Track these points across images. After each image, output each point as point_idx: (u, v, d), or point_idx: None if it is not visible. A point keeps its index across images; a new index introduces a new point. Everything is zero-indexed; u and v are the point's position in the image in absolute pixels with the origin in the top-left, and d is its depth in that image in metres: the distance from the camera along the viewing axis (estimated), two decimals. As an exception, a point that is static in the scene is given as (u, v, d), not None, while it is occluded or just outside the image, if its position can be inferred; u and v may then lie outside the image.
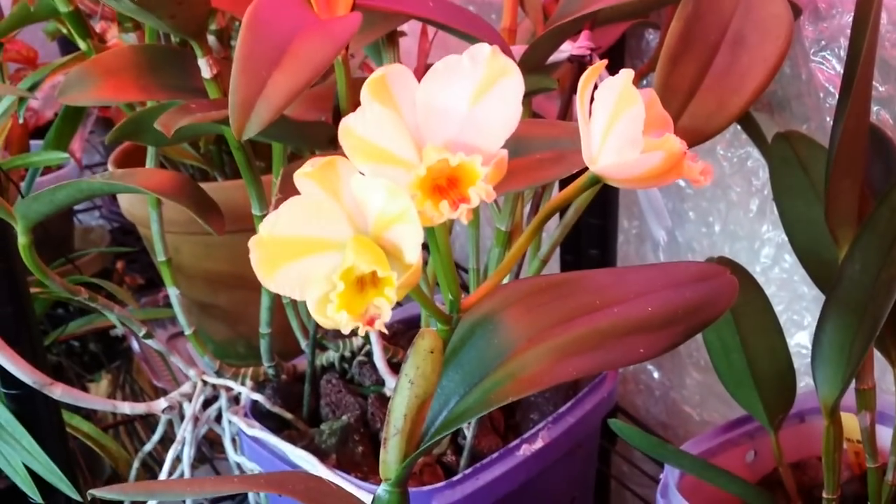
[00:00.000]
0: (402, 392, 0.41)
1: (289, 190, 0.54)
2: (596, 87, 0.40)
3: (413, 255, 0.32)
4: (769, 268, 0.80)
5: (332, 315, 0.31)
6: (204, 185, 0.96)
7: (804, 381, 0.80)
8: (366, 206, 0.33)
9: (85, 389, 1.35)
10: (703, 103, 0.56)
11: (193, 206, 0.50)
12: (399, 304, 0.34)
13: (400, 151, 0.33)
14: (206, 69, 0.58)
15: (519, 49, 0.66)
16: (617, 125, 0.38)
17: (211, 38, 0.86)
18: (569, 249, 0.94)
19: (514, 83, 0.33)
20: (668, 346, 0.42)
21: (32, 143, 1.21)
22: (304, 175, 0.32)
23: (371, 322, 0.31)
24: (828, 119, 0.70)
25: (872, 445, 0.58)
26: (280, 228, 0.32)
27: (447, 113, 0.33)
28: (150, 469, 0.91)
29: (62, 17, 0.74)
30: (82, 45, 0.83)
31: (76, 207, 1.52)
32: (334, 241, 0.33)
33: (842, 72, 0.68)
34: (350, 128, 0.32)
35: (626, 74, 0.38)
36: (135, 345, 1.08)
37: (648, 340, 0.42)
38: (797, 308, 0.80)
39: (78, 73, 0.58)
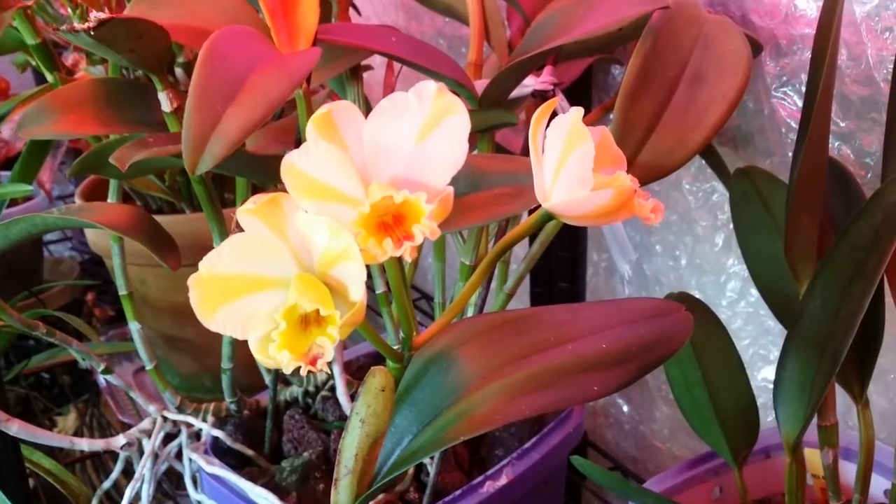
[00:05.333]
0: (352, 431, 0.41)
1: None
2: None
3: (357, 292, 0.31)
4: (735, 301, 0.81)
5: (274, 355, 0.31)
6: (171, 217, 0.96)
7: (771, 416, 0.80)
8: (311, 242, 0.32)
9: (52, 423, 1.34)
10: (661, 139, 0.56)
11: (149, 241, 0.50)
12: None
13: (345, 188, 0.33)
14: (165, 103, 0.57)
15: (483, 84, 0.66)
16: (567, 163, 0.38)
17: (179, 71, 0.86)
18: (539, 282, 0.94)
19: (459, 121, 0.33)
20: (622, 383, 0.42)
21: (2, 173, 1.20)
22: (248, 212, 0.32)
23: (313, 362, 0.31)
24: (790, 154, 0.70)
25: (836, 483, 0.58)
26: (221, 266, 0.31)
27: (394, 150, 0.33)
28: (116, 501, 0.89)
29: (30, 49, 0.74)
30: (49, 77, 0.83)
31: (47, 238, 1.51)
32: (278, 279, 0.33)
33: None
34: (293, 164, 0.31)
35: (576, 113, 0.38)
36: (101, 379, 1.07)
37: (602, 378, 0.42)
38: (763, 342, 0.80)
39: (37, 107, 0.58)
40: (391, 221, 0.32)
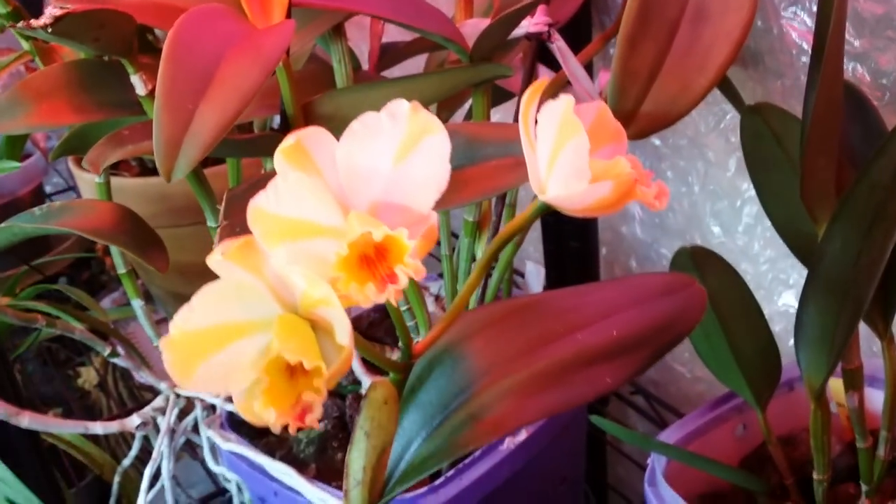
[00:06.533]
0: (358, 444, 0.39)
1: (234, 214, 0.51)
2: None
3: (344, 336, 0.29)
4: (752, 226, 0.78)
5: (259, 413, 0.29)
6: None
7: (791, 342, 0.79)
8: (289, 283, 0.30)
9: (76, 374, 1.34)
10: (665, 86, 0.53)
11: (133, 243, 0.48)
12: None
13: (323, 219, 0.30)
14: (139, 86, 0.54)
15: (475, 24, 0.63)
16: (561, 156, 0.35)
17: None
18: (550, 239, 0.92)
19: (438, 141, 0.30)
20: (636, 371, 0.40)
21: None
22: (222, 259, 0.29)
23: (301, 417, 0.29)
24: (802, 77, 0.67)
25: (862, 425, 0.56)
26: (195, 321, 0.29)
27: (370, 173, 0.31)
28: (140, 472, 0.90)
29: (2, 17, 0.70)
30: (25, 45, 0.79)
31: (50, 191, 1.49)
32: (259, 322, 0.31)
33: (812, 27, 0.65)
34: (260, 209, 0.29)
35: (567, 102, 0.35)
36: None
37: (614, 368, 0.40)
38: (783, 266, 0.77)
39: (8, 99, 0.55)
40: (373, 255, 0.30)
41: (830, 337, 0.53)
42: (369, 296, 0.28)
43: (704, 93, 0.52)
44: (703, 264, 0.58)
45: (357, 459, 0.40)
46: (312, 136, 0.30)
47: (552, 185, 0.36)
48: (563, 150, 0.35)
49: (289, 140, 0.30)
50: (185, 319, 0.29)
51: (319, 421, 0.66)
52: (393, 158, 0.30)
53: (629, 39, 0.52)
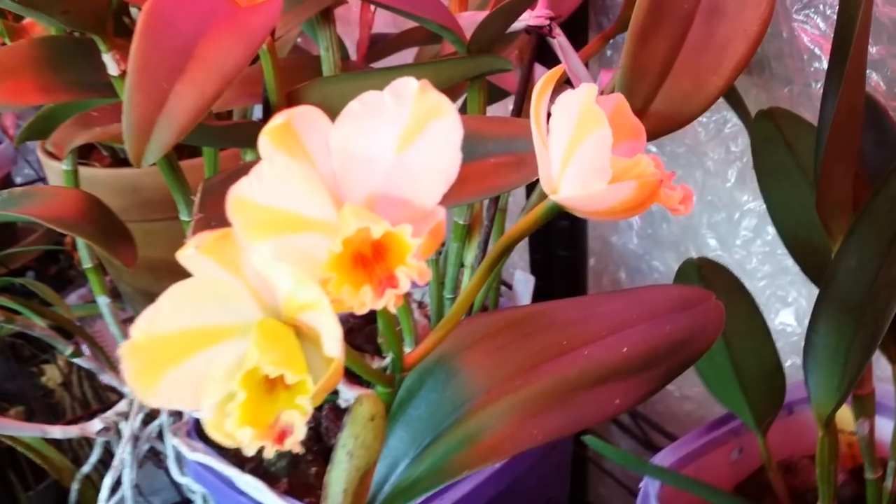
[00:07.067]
0: (339, 465, 0.35)
1: (210, 206, 0.47)
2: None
3: (333, 347, 0.25)
4: (750, 240, 0.75)
5: (232, 432, 0.25)
6: (145, 169, 0.89)
7: (790, 361, 0.76)
8: (272, 283, 0.26)
9: (40, 372, 1.29)
10: (677, 85, 0.49)
11: (99, 235, 0.44)
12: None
13: (312, 211, 0.26)
14: (112, 65, 0.50)
15: (471, 16, 0.59)
16: (579, 151, 0.32)
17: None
18: (537, 247, 0.88)
19: (448, 125, 0.26)
20: (647, 392, 0.37)
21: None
22: (196, 254, 0.26)
23: (280, 439, 0.25)
24: (813, 84, 0.64)
25: (872, 455, 0.53)
26: (162, 324, 0.25)
27: (369, 162, 0.27)
28: (101, 477, 0.85)
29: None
30: (-7, 23, 0.75)
31: (19, 182, 1.44)
32: (235, 326, 0.27)
33: (827, 31, 0.62)
34: (243, 198, 0.25)
35: (588, 90, 0.31)
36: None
37: (624, 388, 0.36)
38: (781, 283, 0.74)
39: (-33, 75, 0.51)
40: (370, 254, 0.26)
41: (843, 361, 0.50)
42: (365, 301, 0.25)
43: (719, 93, 0.49)
44: (710, 277, 0.55)
45: (337, 481, 0.36)
46: (304, 117, 0.26)
47: (566, 183, 0.33)
48: (582, 144, 0.31)
49: (277, 120, 0.26)
50: (151, 322, 0.25)
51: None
52: (395, 144, 0.27)
53: (640, 33, 0.49)
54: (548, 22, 0.59)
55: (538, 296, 0.74)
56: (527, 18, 0.60)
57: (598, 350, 0.37)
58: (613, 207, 0.32)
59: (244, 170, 0.28)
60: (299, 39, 0.78)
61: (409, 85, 0.26)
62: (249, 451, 0.25)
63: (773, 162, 0.56)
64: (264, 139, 0.26)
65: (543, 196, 0.53)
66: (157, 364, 0.25)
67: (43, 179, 1.40)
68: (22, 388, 1.22)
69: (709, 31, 0.50)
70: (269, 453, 0.25)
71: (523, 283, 0.74)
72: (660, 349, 0.37)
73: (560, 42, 0.59)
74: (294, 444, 0.25)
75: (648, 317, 0.38)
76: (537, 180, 0.45)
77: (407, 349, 0.51)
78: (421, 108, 0.26)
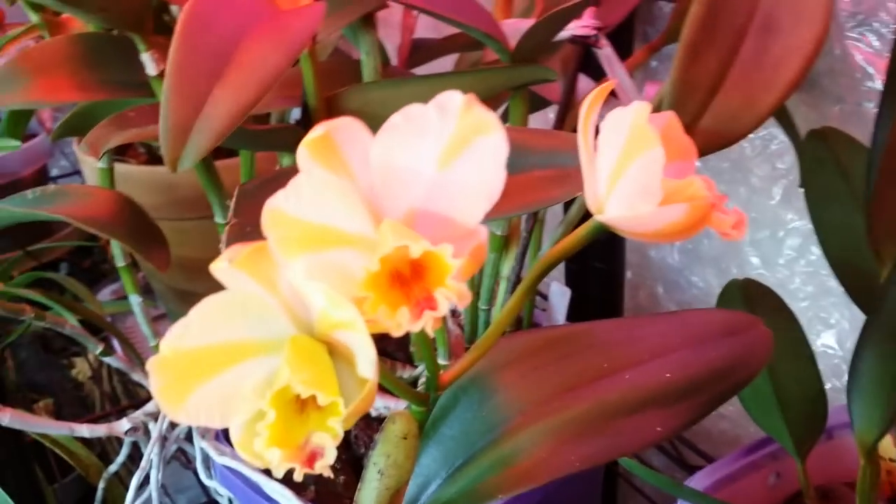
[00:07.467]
0: (369, 484, 0.34)
1: (244, 212, 0.47)
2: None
3: (367, 369, 0.24)
4: (794, 260, 0.73)
5: (261, 451, 0.24)
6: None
7: (829, 384, 0.74)
8: (306, 299, 0.25)
9: (70, 364, 1.30)
10: (727, 101, 0.48)
11: (131, 237, 0.43)
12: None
13: (350, 226, 0.26)
14: (150, 65, 0.50)
15: (514, 24, 0.58)
16: (628, 171, 0.30)
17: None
18: (573, 257, 0.86)
19: (494, 142, 0.25)
20: (689, 421, 0.35)
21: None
22: (230, 267, 0.25)
23: (310, 461, 0.24)
24: (864, 103, 0.62)
25: (917, 488, 0.51)
26: (191, 339, 0.24)
27: (410, 177, 0.26)
28: (129, 475, 0.85)
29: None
30: (34, 17, 0.75)
31: (55, 174, 1.45)
32: (267, 342, 0.26)
33: (881, 50, 0.61)
34: (280, 210, 0.24)
35: (641, 109, 0.30)
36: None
37: (666, 416, 0.35)
38: (824, 304, 0.72)
39: (6, 71, 0.51)
40: (408, 273, 0.25)
41: (889, 390, 0.48)
42: (401, 323, 0.24)
43: (771, 111, 0.47)
44: (755, 299, 0.53)
45: (367, 501, 0.35)
46: (344, 129, 0.25)
47: (613, 203, 0.32)
48: (632, 164, 0.30)
49: (316, 131, 0.25)
50: (181, 336, 0.24)
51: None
52: (438, 160, 0.26)
53: (691, 46, 0.47)
54: (594, 32, 0.58)
55: (573, 308, 0.73)
56: (572, 28, 0.59)
57: (640, 375, 0.36)
58: (662, 230, 0.31)
59: (281, 176, 0.27)
60: (339, 42, 0.78)
61: (454, 99, 0.25)
62: (278, 473, 0.24)
63: (822, 183, 0.54)
64: (303, 151, 0.25)
65: (583, 210, 0.52)
66: (185, 380, 0.24)
67: (79, 173, 1.41)
68: (52, 381, 1.23)
69: (762, 46, 0.48)
70: (299, 476, 0.24)
71: (559, 295, 0.73)
72: (704, 376, 0.36)
73: (606, 53, 0.58)
74: (324, 467, 0.24)
75: (693, 342, 0.37)
76: (574, 197, 0.44)
77: (440, 361, 0.50)
78: (466, 123, 0.25)
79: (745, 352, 0.37)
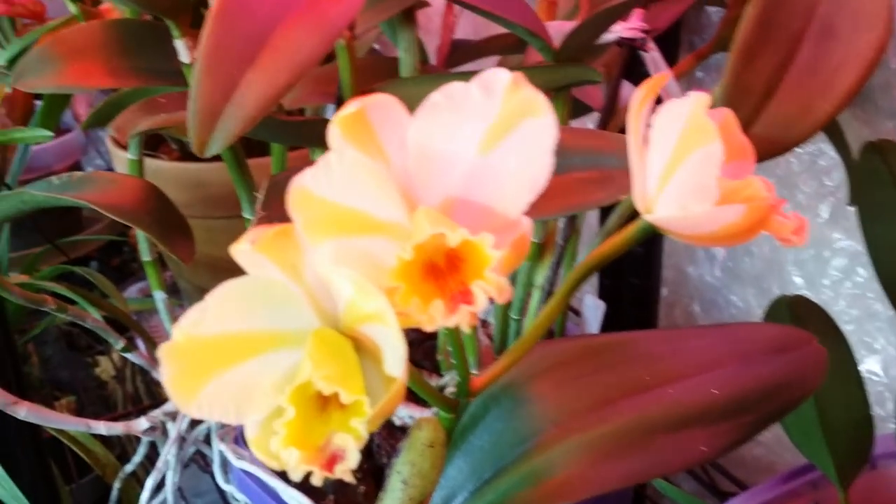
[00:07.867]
0: (392, 494, 0.32)
1: (275, 205, 0.45)
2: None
3: (396, 366, 0.22)
4: (839, 281, 0.70)
5: (278, 451, 0.22)
6: (206, 164, 0.88)
7: (872, 412, 0.71)
8: (333, 288, 0.24)
9: (94, 363, 1.29)
10: (782, 107, 0.46)
11: (156, 226, 0.42)
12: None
13: (382, 212, 0.24)
14: (183, 52, 0.48)
15: (558, 25, 0.56)
16: (682, 167, 0.28)
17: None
18: (607, 272, 0.84)
19: (542, 125, 0.23)
20: (735, 442, 0.33)
21: (37, 103, 1.13)
22: (252, 251, 0.23)
23: (330, 465, 0.22)
24: (923, 119, 0.59)
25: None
26: (207, 326, 0.23)
27: (449, 161, 0.24)
28: (146, 476, 0.83)
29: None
30: (72, 7, 0.75)
31: (88, 171, 1.44)
32: (288, 334, 0.24)
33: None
34: (307, 190, 0.22)
35: (699, 99, 0.28)
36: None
37: (710, 435, 0.33)
38: (869, 328, 0.70)
39: (38, 53, 0.49)
40: (443, 265, 0.23)
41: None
42: (435, 316, 0.22)
43: (827, 119, 0.45)
44: (804, 317, 0.51)
45: (388, 511, 0.33)
46: (380, 107, 0.24)
47: (663, 202, 0.29)
48: (686, 160, 0.28)
49: (350, 107, 0.23)
50: (196, 322, 0.22)
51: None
52: (481, 143, 0.24)
53: (746, 50, 0.45)
54: (642, 35, 0.56)
55: (606, 323, 0.70)
56: (619, 30, 0.57)
57: (685, 390, 0.34)
58: (717, 232, 0.29)
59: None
60: (377, 45, 0.76)
61: (500, 76, 0.23)
62: (296, 476, 0.22)
63: (876, 198, 0.52)
64: (335, 128, 0.23)
65: (623, 219, 0.49)
66: (198, 370, 0.22)
67: (112, 171, 1.41)
68: (75, 378, 1.22)
69: (819, 52, 0.46)
70: (317, 480, 0.22)
71: (593, 308, 0.70)
72: (752, 394, 0.34)
73: (653, 56, 0.56)
74: (345, 471, 0.22)
75: (742, 357, 0.35)
76: (616, 202, 0.42)
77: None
78: (512, 103, 0.23)
79: (796, 370, 0.35)
